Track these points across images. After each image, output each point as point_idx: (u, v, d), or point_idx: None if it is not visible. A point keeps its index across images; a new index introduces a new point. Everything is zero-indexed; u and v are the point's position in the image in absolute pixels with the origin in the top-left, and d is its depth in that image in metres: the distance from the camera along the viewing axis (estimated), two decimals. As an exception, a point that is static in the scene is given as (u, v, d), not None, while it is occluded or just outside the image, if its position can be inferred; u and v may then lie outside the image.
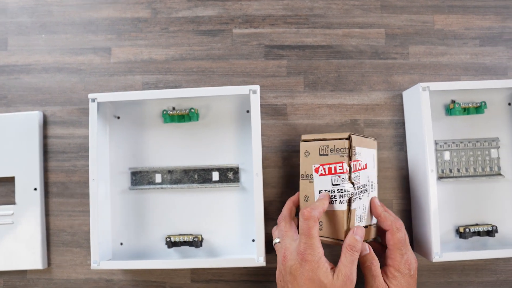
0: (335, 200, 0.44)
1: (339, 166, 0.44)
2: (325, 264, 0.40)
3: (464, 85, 0.51)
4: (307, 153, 0.46)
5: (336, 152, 0.44)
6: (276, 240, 0.47)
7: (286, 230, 0.45)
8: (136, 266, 0.49)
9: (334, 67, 0.56)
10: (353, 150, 0.44)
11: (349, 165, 0.44)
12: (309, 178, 0.46)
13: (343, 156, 0.44)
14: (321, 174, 0.45)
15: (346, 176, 0.43)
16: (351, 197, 0.44)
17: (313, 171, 0.45)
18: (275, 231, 0.48)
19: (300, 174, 0.47)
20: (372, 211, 0.47)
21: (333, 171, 0.44)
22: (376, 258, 0.44)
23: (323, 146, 0.45)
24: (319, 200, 0.44)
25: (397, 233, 0.44)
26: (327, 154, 0.45)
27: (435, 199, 0.49)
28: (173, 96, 0.50)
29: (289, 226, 0.46)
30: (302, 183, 0.47)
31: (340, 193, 0.44)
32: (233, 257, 0.52)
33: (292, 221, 0.47)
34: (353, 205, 0.44)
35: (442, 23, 0.57)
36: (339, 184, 0.44)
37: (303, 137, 0.47)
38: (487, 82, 0.51)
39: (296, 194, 0.48)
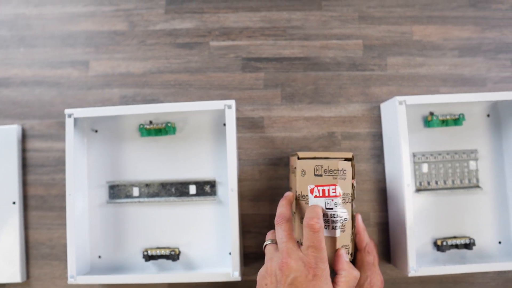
0: (328, 226, 0.41)
1: (332, 189, 0.41)
2: (329, 280, 0.39)
3: (440, 98, 0.51)
4: (303, 173, 0.43)
5: (329, 174, 0.41)
6: (267, 242, 0.44)
7: (290, 232, 0.41)
8: (110, 281, 0.50)
9: (311, 79, 0.56)
10: (354, 171, 0.42)
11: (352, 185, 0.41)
12: (305, 199, 0.43)
13: (336, 178, 0.41)
14: (316, 196, 0.42)
15: (339, 200, 0.41)
16: (344, 223, 0.41)
17: (309, 191, 0.42)
18: (270, 233, 0.45)
19: (297, 194, 0.44)
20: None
21: (326, 194, 0.41)
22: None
23: (318, 166, 0.42)
24: (316, 210, 0.41)
25: (367, 256, 0.44)
26: (321, 175, 0.42)
27: (411, 214, 0.49)
28: (147, 111, 0.50)
29: (291, 229, 0.42)
30: (299, 203, 0.44)
31: (332, 218, 0.41)
32: (209, 271, 0.52)
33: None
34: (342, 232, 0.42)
35: (420, 34, 0.57)
36: (332, 208, 0.41)
37: (300, 154, 0.44)
38: (463, 95, 0.50)
39: (289, 194, 0.46)
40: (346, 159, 0.42)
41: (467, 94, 0.51)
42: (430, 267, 0.49)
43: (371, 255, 0.44)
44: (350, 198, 0.41)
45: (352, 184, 0.42)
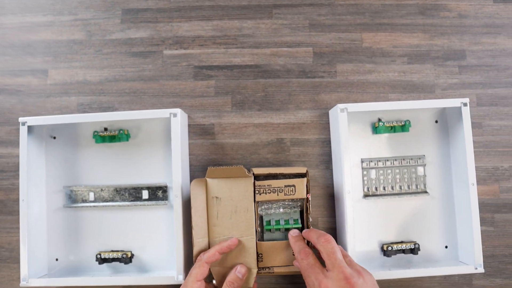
0: None
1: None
2: None
3: (382, 106, 0.51)
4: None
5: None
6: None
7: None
8: (61, 283, 0.51)
9: (261, 87, 0.57)
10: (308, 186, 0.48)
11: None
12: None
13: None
14: None
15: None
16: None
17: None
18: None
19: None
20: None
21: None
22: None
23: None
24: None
25: (301, 261, 0.44)
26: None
27: (351, 220, 0.50)
28: (95, 119, 0.52)
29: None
30: None
31: None
32: (158, 274, 0.54)
33: None
34: None
35: (370, 41, 0.58)
36: None
37: (254, 170, 0.49)
38: (404, 102, 0.51)
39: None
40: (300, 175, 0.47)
41: (407, 102, 0.52)
42: (375, 271, 0.50)
43: (304, 260, 0.44)
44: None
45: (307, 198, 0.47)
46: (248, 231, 0.48)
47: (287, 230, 0.49)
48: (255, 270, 0.47)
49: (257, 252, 0.48)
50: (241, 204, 0.48)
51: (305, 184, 0.47)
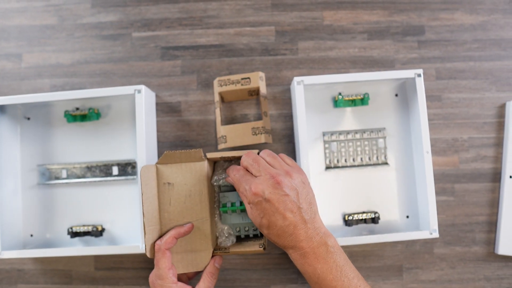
0: None
1: None
2: None
3: (338, 78, 0.53)
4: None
5: None
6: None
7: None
8: (32, 254, 0.53)
9: (225, 65, 0.59)
10: None
11: None
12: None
13: None
14: None
15: None
16: None
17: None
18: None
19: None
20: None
21: None
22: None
23: None
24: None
25: (233, 177, 0.46)
26: None
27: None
28: (61, 98, 0.54)
29: None
30: None
31: None
32: (121, 245, 0.56)
33: None
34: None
35: (331, 19, 0.60)
36: None
37: (208, 155, 0.49)
38: (361, 74, 0.53)
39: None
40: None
41: (362, 74, 0.53)
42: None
43: (232, 172, 0.46)
44: None
45: None
46: (202, 214, 0.48)
47: (243, 211, 0.49)
48: (211, 251, 0.48)
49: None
50: (195, 188, 0.47)
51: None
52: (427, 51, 0.59)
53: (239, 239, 0.51)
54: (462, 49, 0.59)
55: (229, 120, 0.59)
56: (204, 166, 0.47)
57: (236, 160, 0.49)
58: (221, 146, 0.55)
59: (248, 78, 0.55)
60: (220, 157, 0.48)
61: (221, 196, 0.50)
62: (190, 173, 0.48)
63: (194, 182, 0.48)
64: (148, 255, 0.45)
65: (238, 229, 0.50)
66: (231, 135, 0.54)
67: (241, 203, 0.48)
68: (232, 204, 0.49)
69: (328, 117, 0.58)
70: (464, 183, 0.57)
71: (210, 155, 0.48)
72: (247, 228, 0.50)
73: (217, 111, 0.56)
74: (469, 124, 0.58)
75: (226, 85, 0.55)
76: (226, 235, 0.49)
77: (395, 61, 0.59)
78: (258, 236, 0.50)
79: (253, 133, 0.54)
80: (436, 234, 0.51)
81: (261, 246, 0.47)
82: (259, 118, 0.59)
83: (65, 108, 0.59)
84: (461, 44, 0.59)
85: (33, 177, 0.60)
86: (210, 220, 0.47)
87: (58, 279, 0.58)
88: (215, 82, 0.56)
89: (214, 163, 0.50)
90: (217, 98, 0.56)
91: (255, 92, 0.57)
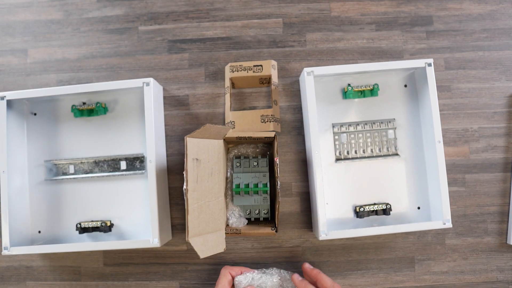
0: None
1: None
2: None
3: (348, 68, 0.53)
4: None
5: None
6: None
7: None
8: (40, 250, 0.53)
9: (233, 57, 0.59)
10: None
11: None
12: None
13: None
14: None
15: None
16: None
17: None
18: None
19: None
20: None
21: None
22: None
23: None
24: None
25: None
26: None
27: (321, 182, 0.51)
28: (68, 92, 0.54)
29: None
30: None
31: None
32: (132, 240, 0.55)
33: None
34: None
35: (338, 10, 0.59)
36: None
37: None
38: (371, 64, 0.53)
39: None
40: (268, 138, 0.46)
41: (372, 64, 0.53)
42: (340, 230, 0.51)
43: None
44: None
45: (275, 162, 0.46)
46: (220, 193, 0.48)
47: (256, 193, 0.50)
48: (224, 231, 0.48)
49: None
50: (215, 166, 0.47)
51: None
52: (435, 41, 0.59)
53: (250, 222, 0.50)
54: (471, 38, 0.59)
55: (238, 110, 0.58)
56: (222, 144, 0.47)
57: (251, 141, 0.48)
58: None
59: (261, 65, 0.55)
60: (235, 137, 0.48)
61: (234, 176, 0.49)
62: (213, 151, 0.46)
63: (215, 160, 0.47)
64: (188, 239, 0.43)
65: (248, 211, 0.49)
66: (240, 121, 0.54)
67: (255, 185, 0.48)
68: (246, 186, 0.49)
69: (337, 109, 0.58)
70: (475, 174, 0.57)
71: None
72: (257, 211, 0.49)
73: (227, 96, 0.56)
74: (479, 114, 0.58)
75: (238, 71, 0.55)
76: (237, 217, 0.49)
77: (403, 52, 0.59)
78: (268, 220, 0.50)
79: (262, 120, 0.53)
80: (449, 224, 0.50)
81: (273, 228, 0.47)
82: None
83: (71, 103, 0.59)
84: (470, 34, 0.59)
85: (40, 173, 0.59)
86: (224, 200, 0.47)
87: (67, 275, 0.58)
88: (227, 68, 0.56)
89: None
90: (227, 83, 0.56)
91: (266, 80, 0.56)
